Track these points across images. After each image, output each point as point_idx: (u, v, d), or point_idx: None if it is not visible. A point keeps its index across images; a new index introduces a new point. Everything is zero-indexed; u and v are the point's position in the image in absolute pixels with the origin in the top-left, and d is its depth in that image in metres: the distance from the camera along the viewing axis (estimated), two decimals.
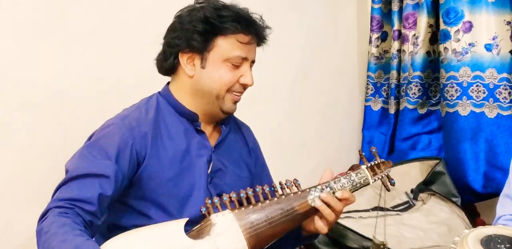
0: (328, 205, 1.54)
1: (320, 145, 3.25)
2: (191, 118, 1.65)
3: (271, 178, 1.90)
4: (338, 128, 3.40)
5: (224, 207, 1.48)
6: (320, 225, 1.57)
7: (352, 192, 1.61)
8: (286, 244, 1.71)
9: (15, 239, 1.97)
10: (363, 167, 1.69)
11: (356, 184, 1.63)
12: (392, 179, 1.73)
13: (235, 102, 1.66)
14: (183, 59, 1.63)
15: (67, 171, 1.46)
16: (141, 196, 1.55)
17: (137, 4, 2.27)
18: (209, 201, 1.47)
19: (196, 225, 1.48)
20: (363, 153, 1.76)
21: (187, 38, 1.60)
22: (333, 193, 1.57)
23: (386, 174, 1.73)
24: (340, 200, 1.57)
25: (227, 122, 1.75)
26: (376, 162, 1.73)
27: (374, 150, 1.76)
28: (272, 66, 2.92)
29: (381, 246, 2.09)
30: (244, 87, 1.66)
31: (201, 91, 1.63)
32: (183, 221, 1.42)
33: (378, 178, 1.70)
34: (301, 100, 3.13)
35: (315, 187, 1.57)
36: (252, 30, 1.63)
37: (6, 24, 1.93)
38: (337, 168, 3.25)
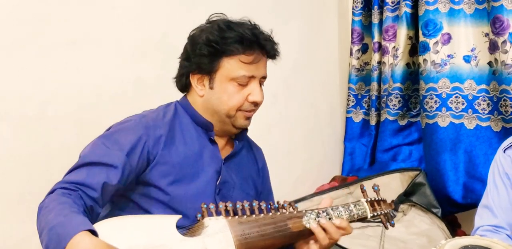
0: (325, 230, 1.55)
1: (302, 157, 3.25)
2: (206, 127, 1.70)
3: (271, 189, 1.93)
4: (320, 140, 3.40)
5: (219, 214, 1.48)
6: None
7: (349, 222, 1.62)
8: None
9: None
10: (363, 200, 1.71)
11: (354, 215, 1.65)
12: (392, 220, 1.76)
13: (248, 118, 1.69)
14: (194, 80, 1.68)
15: (79, 157, 1.51)
16: (147, 194, 1.58)
17: (118, 16, 2.27)
18: (205, 206, 1.48)
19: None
20: (364, 188, 1.76)
21: (195, 60, 1.65)
22: (329, 219, 1.58)
23: (386, 212, 1.76)
24: (337, 228, 1.57)
25: (241, 138, 1.78)
26: (377, 198, 1.76)
27: (376, 187, 1.78)
28: None
29: None
30: (254, 104, 1.67)
31: (212, 110, 1.67)
32: (176, 217, 1.42)
33: (377, 215, 1.72)
34: (282, 112, 3.14)
35: (311, 210, 1.59)
36: (256, 48, 1.65)
37: None
38: (319, 179, 3.26)
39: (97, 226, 1.30)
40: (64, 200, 1.34)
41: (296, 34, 3.21)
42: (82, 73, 2.17)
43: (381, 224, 2.61)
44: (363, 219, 1.69)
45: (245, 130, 1.79)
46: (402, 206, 2.79)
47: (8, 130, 1.98)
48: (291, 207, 1.58)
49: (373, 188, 1.76)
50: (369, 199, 1.72)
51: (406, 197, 2.83)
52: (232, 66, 1.63)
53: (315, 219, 1.56)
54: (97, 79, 2.19)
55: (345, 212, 1.62)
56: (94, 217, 1.44)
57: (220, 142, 1.73)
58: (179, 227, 1.42)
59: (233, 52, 1.62)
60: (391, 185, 2.91)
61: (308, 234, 1.57)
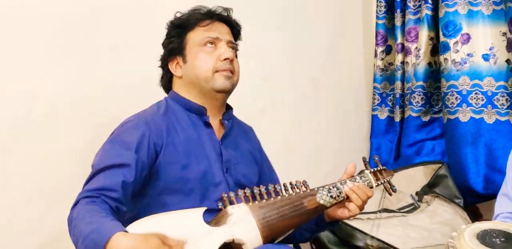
0: (355, 192, 1.62)
1: (330, 152, 3.25)
2: (199, 112, 1.72)
3: (271, 165, 1.95)
4: (347, 136, 3.39)
5: (239, 200, 1.51)
6: (345, 212, 1.64)
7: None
8: (306, 230, 1.78)
9: (44, 237, 1.99)
10: (367, 172, 1.76)
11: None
12: (394, 186, 1.81)
13: (227, 78, 1.70)
14: (172, 66, 1.75)
15: (92, 167, 1.51)
16: (163, 185, 1.59)
17: (157, 22, 2.30)
18: (226, 195, 1.50)
19: (213, 214, 1.51)
20: (367, 160, 1.82)
21: (168, 47, 1.76)
22: (340, 193, 1.61)
23: (388, 180, 1.79)
24: (361, 188, 1.64)
25: (228, 117, 1.79)
26: (379, 168, 1.80)
27: (376, 158, 1.85)
28: (284, 78, 2.95)
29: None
30: (228, 62, 1.70)
31: (192, 82, 1.71)
32: (202, 210, 1.44)
33: (381, 183, 1.77)
34: (311, 110, 3.14)
35: (323, 187, 1.62)
36: (213, 16, 1.75)
37: (37, 41, 1.97)
38: None
39: (130, 228, 1.31)
40: (90, 208, 1.34)
41: (323, 37, 3.21)
42: (124, 75, 2.20)
43: (406, 214, 2.65)
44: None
45: (229, 110, 1.82)
46: (426, 197, 2.76)
47: (60, 127, 2.02)
48: (303, 186, 1.60)
49: (374, 159, 1.82)
50: (372, 170, 1.76)
51: (429, 188, 2.80)
52: (196, 34, 1.72)
53: (327, 195, 1.59)
54: (140, 81, 2.22)
55: (352, 185, 1.64)
56: (121, 216, 1.46)
57: (214, 124, 1.74)
58: (206, 219, 1.44)
59: (193, 23, 1.73)
60: (416, 177, 2.89)
61: (322, 209, 1.61)
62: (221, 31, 1.74)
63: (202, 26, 1.72)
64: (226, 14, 1.79)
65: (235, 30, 1.82)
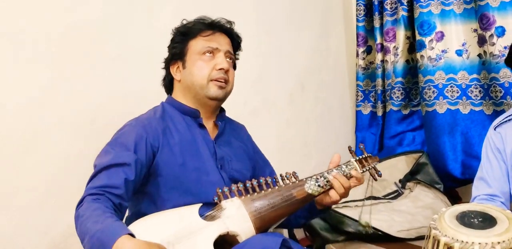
0: (339, 181, 1.58)
1: (319, 147, 3.23)
2: (193, 115, 1.70)
3: (266, 159, 1.93)
4: (334, 131, 3.38)
5: (232, 195, 1.49)
6: (334, 196, 1.59)
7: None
8: (301, 217, 1.75)
9: (56, 238, 1.98)
10: (352, 160, 1.71)
11: (346, 174, 1.63)
12: (379, 171, 1.75)
13: (220, 87, 1.69)
14: (173, 70, 1.74)
15: (95, 166, 1.49)
16: (161, 183, 1.57)
17: (158, 33, 2.28)
18: (220, 190, 1.48)
19: (210, 208, 1.49)
20: (352, 149, 1.77)
21: (171, 52, 1.74)
22: (327, 181, 1.58)
23: (373, 166, 1.74)
24: (349, 178, 1.62)
25: (222, 119, 1.78)
26: (364, 156, 1.75)
27: (361, 146, 1.80)
28: (273, 80, 2.93)
29: (366, 227, 2.07)
30: (223, 72, 1.69)
31: (188, 87, 1.69)
32: (197, 206, 1.44)
33: (366, 170, 1.72)
34: (300, 109, 3.13)
35: (310, 177, 1.59)
36: (215, 27, 1.73)
37: (43, 55, 1.95)
38: None
39: (131, 227, 1.30)
40: (96, 206, 1.33)
41: (309, 41, 3.21)
42: (126, 84, 2.19)
43: (391, 200, 2.63)
44: None
45: (222, 111, 1.81)
46: (409, 184, 2.75)
47: (65, 135, 2.01)
48: (293, 177, 1.57)
49: (359, 147, 1.78)
50: (357, 158, 1.71)
51: (411, 176, 2.79)
52: (197, 43, 1.70)
53: (315, 184, 1.56)
54: (139, 89, 2.20)
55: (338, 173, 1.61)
56: (123, 211, 1.46)
57: (208, 126, 1.73)
58: (202, 212, 1.44)
59: (196, 32, 1.71)
60: (398, 166, 2.88)
61: (311, 198, 1.58)
62: (221, 42, 1.73)
63: (204, 36, 1.70)
64: (228, 26, 1.77)
65: (235, 42, 1.80)
